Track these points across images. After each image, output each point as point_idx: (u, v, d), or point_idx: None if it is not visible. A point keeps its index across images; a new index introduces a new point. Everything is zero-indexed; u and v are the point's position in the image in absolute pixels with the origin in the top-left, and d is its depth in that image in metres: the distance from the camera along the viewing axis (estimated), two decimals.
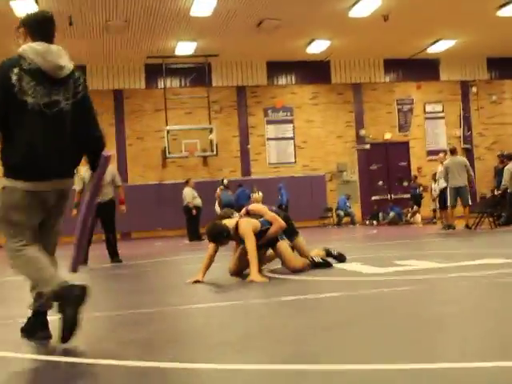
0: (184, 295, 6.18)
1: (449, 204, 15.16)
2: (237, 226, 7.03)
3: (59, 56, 3.98)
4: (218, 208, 18.98)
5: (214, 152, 22.69)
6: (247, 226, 7.00)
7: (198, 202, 17.98)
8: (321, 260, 7.58)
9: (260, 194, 22.30)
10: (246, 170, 24.27)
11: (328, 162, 24.92)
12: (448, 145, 25.11)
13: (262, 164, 24.50)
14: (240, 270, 7.30)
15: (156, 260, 11.38)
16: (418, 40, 22.65)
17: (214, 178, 23.24)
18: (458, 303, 4.80)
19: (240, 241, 7.15)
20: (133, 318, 4.87)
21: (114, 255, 10.61)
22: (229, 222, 7.14)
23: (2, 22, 17.44)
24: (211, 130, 22.66)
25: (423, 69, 25.28)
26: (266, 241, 7.20)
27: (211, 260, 7.01)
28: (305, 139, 24.83)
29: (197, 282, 6.73)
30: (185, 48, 21.58)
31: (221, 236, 6.95)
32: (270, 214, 7.28)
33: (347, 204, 23.40)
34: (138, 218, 22.74)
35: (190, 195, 17.97)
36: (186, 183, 18.48)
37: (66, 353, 3.68)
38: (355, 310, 4.72)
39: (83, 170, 9.38)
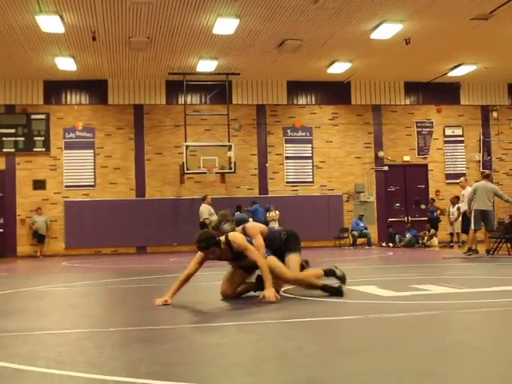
0: (198, 313, 6.17)
1: (472, 227, 14.81)
2: (228, 240, 6.74)
3: None
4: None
5: (232, 169, 22.71)
6: (243, 238, 6.82)
7: (215, 218, 17.98)
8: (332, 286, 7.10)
9: (277, 212, 22.45)
10: (264, 188, 24.28)
11: (346, 183, 24.87)
12: (466, 169, 25.14)
13: (280, 183, 24.49)
14: (235, 294, 7.03)
15: (171, 275, 11.36)
16: (439, 64, 22.62)
17: (231, 195, 23.28)
18: (473, 331, 4.75)
19: (232, 258, 6.90)
20: (146, 335, 4.87)
21: None
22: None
23: (28, 35, 17.69)
24: (230, 148, 22.70)
25: (443, 92, 25.25)
26: (241, 263, 6.97)
27: (187, 280, 6.81)
28: (323, 159, 24.81)
29: (165, 303, 6.51)
30: (206, 65, 21.69)
31: (212, 241, 6.58)
32: (258, 241, 6.99)
33: (361, 225, 23.29)
34: (153, 233, 22.83)
35: (206, 211, 18.03)
36: (203, 199, 18.55)
37: (77, 368, 3.68)
38: (370, 335, 4.68)
39: None
